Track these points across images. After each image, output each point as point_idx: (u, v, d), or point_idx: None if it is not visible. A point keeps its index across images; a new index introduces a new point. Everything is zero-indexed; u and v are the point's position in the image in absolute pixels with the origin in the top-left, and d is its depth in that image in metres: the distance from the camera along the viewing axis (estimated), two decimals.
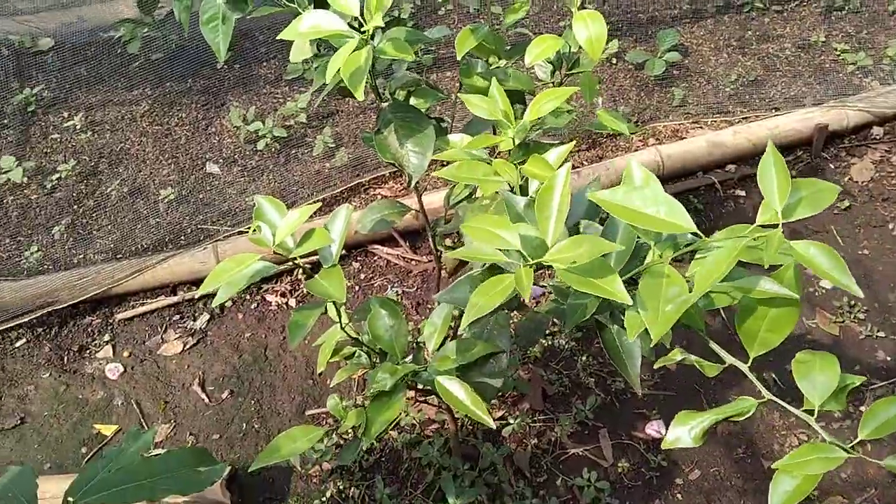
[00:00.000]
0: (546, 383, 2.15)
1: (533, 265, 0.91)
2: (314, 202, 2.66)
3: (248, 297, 2.50)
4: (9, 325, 2.45)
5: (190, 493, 1.24)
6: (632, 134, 2.82)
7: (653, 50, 3.13)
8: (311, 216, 1.17)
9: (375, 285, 2.52)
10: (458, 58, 1.37)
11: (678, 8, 3.39)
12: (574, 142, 1.31)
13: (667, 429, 0.91)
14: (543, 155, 1.13)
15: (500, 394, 2.10)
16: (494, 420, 1.91)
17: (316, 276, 1.22)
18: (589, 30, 1.22)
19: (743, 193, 2.77)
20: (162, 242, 2.59)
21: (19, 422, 2.27)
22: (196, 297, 2.48)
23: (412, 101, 1.49)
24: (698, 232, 0.86)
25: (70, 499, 1.18)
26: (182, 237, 2.59)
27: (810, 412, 0.84)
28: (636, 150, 2.78)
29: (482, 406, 1.16)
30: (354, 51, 1.05)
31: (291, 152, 2.89)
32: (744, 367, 0.90)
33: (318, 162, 2.82)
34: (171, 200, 2.72)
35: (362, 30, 1.08)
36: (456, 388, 1.19)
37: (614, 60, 3.13)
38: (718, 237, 0.87)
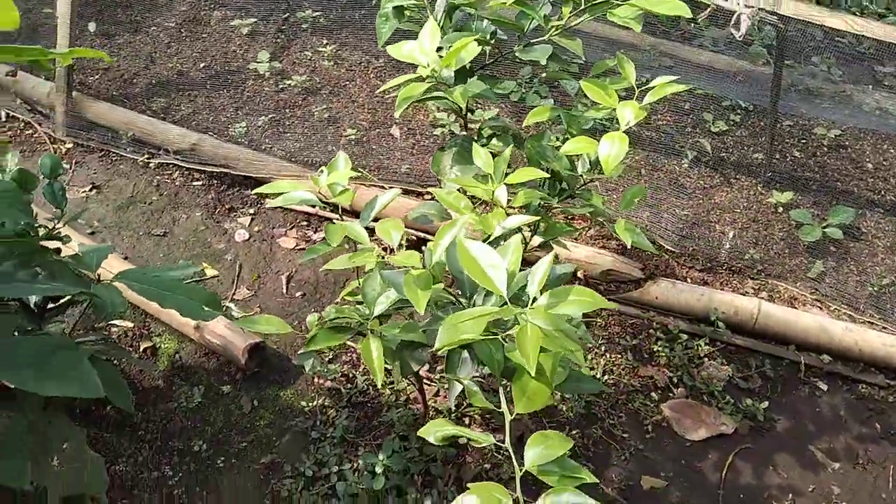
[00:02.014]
0: None
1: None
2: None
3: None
4: (198, 168, 3.15)
5: (186, 315, 1.71)
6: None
7: (821, 217, 3.12)
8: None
9: None
10: (525, 123, 1.68)
11: (880, 193, 3.31)
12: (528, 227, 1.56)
13: None
14: (507, 220, 1.42)
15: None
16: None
17: (339, 223, 1.63)
18: (611, 149, 1.48)
19: (824, 388, 2.72)
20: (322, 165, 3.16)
21: (163, 234, 2.96)
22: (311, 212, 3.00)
23: (493, 141, 1.83)
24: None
25: (117, 275, 1.71)
26: None
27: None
28: (742, 293, 2.84)
29: (380, 365, 1.50)
30: (414, 81, 1.43)
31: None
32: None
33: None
34: (350, 139, 3.27)
35: (428, 70, 1.45)
36: (375, 346, 1.54)
37: (780, 209, 3.17)
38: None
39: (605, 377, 2.56)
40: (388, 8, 1.78)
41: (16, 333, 1.73)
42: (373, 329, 1.56)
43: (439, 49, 1.54)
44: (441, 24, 1.74)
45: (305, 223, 3.05)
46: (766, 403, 2.53)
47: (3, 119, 3.37)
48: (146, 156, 3.20)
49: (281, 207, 3.06)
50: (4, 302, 1.68)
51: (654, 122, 3.45)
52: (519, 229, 1.44)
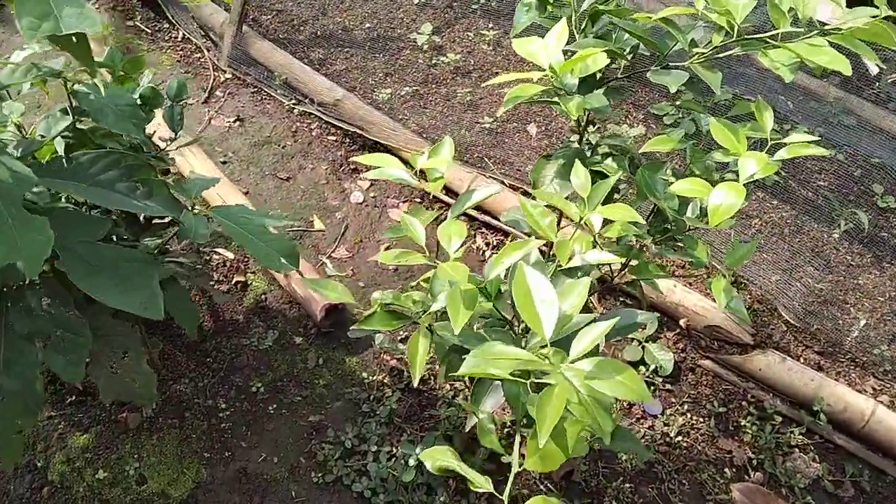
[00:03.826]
0: None
1: None
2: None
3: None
4: (336, 123, 3.22)
5: (262, 263, 1.73)
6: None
7: None
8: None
9: None
10: (643, 150, 1.55)
11: None
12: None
13: None
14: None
15: None
16: None
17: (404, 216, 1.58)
18: (724, 199, 1.32)
19: None
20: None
21: (287, 178, 3.05)
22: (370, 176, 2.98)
23: (608, 161, 1.71)
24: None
25: (212, 208, 1.76)
26: (468, 156, 3.09)
27: None
28: (859, 390, 2.52)
29: (422, 363, 1.44)
30: (526, 82, 1.34)
31: None
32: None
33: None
34: (485, 127, 3.22)
35: (548, 75, 1.36)
36: (422, 343, 1.48)
37: None
38: None
39: (679, 438, 2.37)
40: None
41: (112, 240, 1.83)
42: (426, 323, 1.51)
43: (568, 53, 1.45)
44: (583, 27, 1.64)
45: (419, 199, 3.04)
46: None
47: (179, 39, 3.60)
48: (293, 101, 3.30)
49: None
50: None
51: (814, 181, 3.14)
52: (598, 266, 1.32)
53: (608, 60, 1.43)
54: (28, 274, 1.23)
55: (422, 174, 1.68)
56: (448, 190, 3.00)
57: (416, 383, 1.46)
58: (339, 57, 3.53)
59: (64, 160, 1.58)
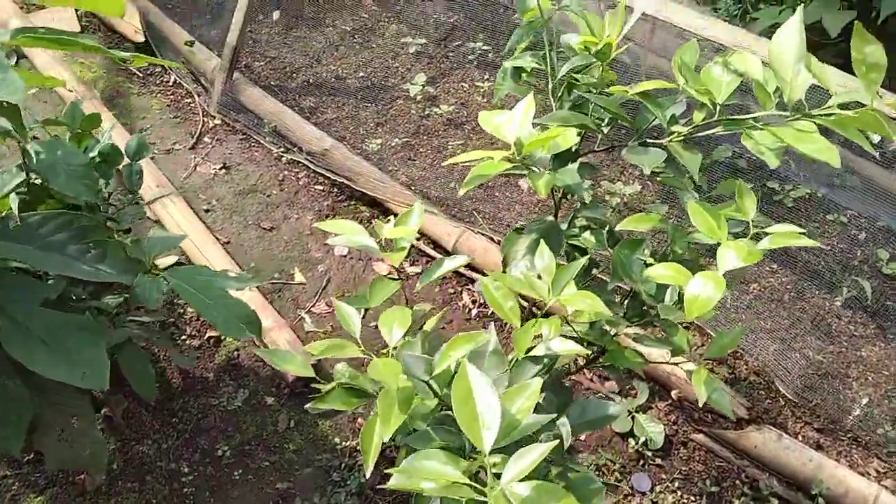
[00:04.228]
0: None
1: None
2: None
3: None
4: (324, 173, 3.14)
5: (218, 329, 1.64)
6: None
7: None
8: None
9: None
10: (619, 227, 1.45)
11: None
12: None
13: None
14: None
15: None
16: None
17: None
18: (701, 290, 1.22)
19: None
20: (439, 201, 3.04)
21: (270, 228, 2.97)
22: (413, 244, 2.89)
23: (585, 235, 1.61)
24: None
25: (169, 269, 1.68)
26: (456, 209, 3.00)
27: None
28: (862, 473, 2.38)
29: (375, 453, 1.33)
30: (489, 160, 1.25)
31: None
32: None
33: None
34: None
35: (511, 154, 1.27)
36: (377, 431, 1.37)
37: None
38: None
39: None
40: (507, 66, 1.62)
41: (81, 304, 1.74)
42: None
43: (538, 126, 1.36)
44: (559, 96, 1.56)
45: (408, 263, 2.94)
46: None
47: (170, 83, 3.56)
48: (282, 149, 3.24)
49: None
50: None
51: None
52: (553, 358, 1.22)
53: (578, 139, 1.35)
54: None
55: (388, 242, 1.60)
56: (436, 245, 2.92)
57: (368, 474, 1.34)
58: (331, 105, 3.48)
59: (10, 221, 1.50)
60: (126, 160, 1.73)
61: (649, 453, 2.38)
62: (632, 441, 2.39)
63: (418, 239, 2.94)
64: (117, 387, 2.28)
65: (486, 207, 3.02)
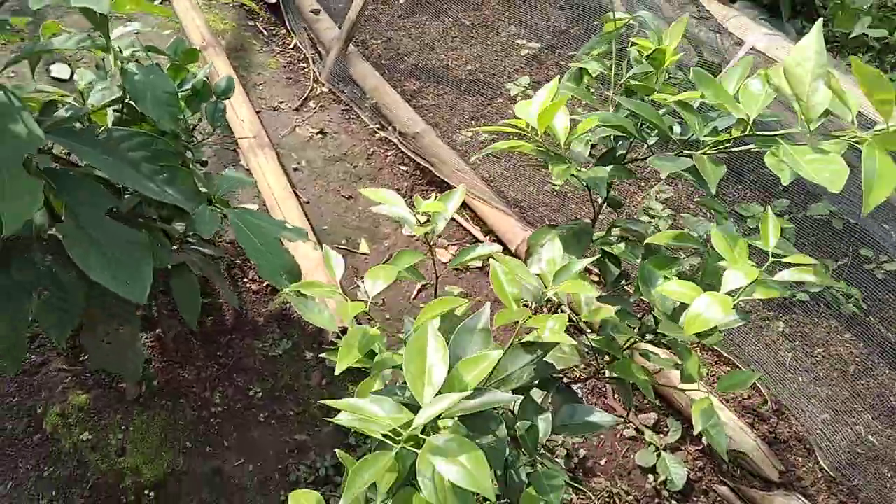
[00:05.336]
0: None
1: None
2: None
3: None
4: (410, 154, 3.24)
5: (263, 275, 1.74)
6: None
7: None
8: None
9: None
10: (647, 241, 1.44)
11: None
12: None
13: None
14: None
15: None
16: None
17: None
18: (705, 310, 1.20)
19: None
20: (514, 203, 3.06)
21: (348, 197, 3.09)
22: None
23: (620, 245, 1.60)
24: None
25: (233, 207, 1.79)
26: (529, 213, 3.02)
27: None
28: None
29: None
30: (520, 139, 1.28)
31: None
32: None
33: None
34: (547, 190, 3.14)
35: (525, 132, 1.29)
36: None
37: None
38: None
39: None
40: (573, 68, 1.63)
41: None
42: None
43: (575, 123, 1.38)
44: (618, 102, 1.56)
45: (469, 243, 2.98)
46: None
47: (290, 46, 3.76)
48: (377, 125, 3.36)
49: (455, 221, 3.03)
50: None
51: None
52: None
53: (603, 133, 1.36)
54: (5, 230, 1.28)
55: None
56: (505, 248, 2.94)
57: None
58: (432, 92, 3.57)
59: (100, 131, 1.65)
60: (213, 98, 1.87)
61: (667, 493, 2.31)
62: (651, 477, 2.34)
63: (486, 234, 2.98)
64: (173, 312, 2.45)
65: (558, 216, 3.01)
